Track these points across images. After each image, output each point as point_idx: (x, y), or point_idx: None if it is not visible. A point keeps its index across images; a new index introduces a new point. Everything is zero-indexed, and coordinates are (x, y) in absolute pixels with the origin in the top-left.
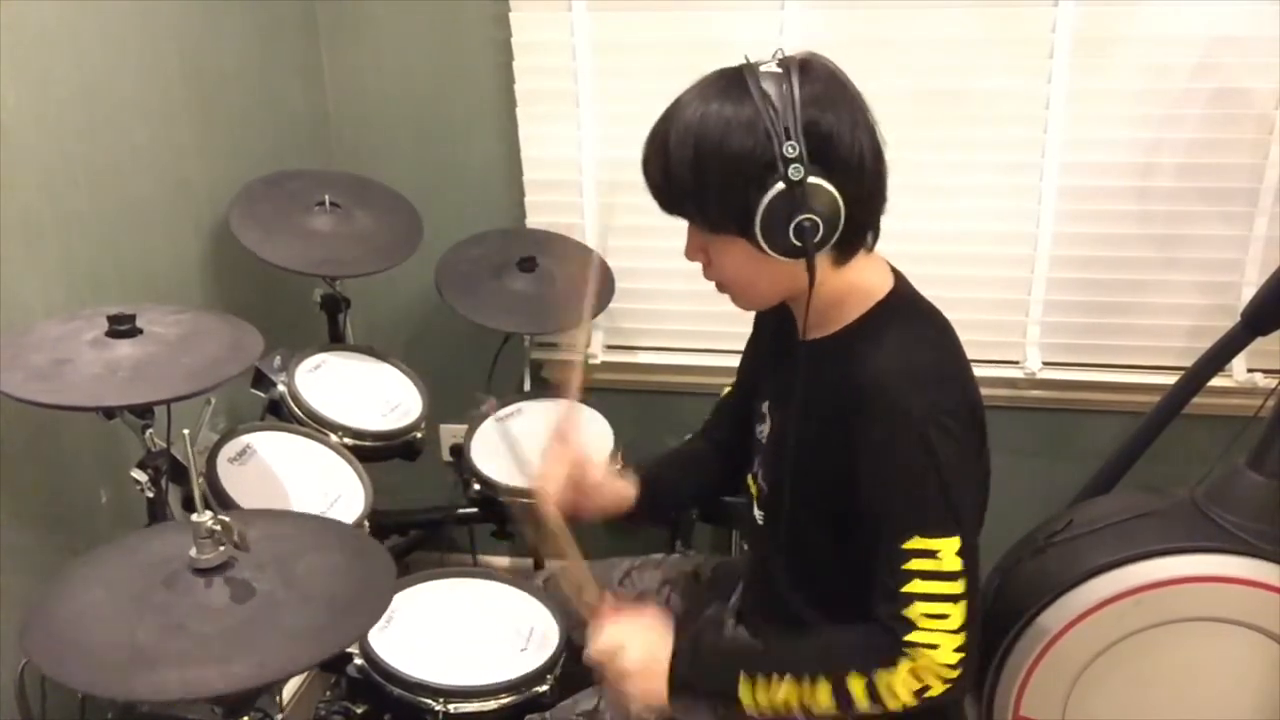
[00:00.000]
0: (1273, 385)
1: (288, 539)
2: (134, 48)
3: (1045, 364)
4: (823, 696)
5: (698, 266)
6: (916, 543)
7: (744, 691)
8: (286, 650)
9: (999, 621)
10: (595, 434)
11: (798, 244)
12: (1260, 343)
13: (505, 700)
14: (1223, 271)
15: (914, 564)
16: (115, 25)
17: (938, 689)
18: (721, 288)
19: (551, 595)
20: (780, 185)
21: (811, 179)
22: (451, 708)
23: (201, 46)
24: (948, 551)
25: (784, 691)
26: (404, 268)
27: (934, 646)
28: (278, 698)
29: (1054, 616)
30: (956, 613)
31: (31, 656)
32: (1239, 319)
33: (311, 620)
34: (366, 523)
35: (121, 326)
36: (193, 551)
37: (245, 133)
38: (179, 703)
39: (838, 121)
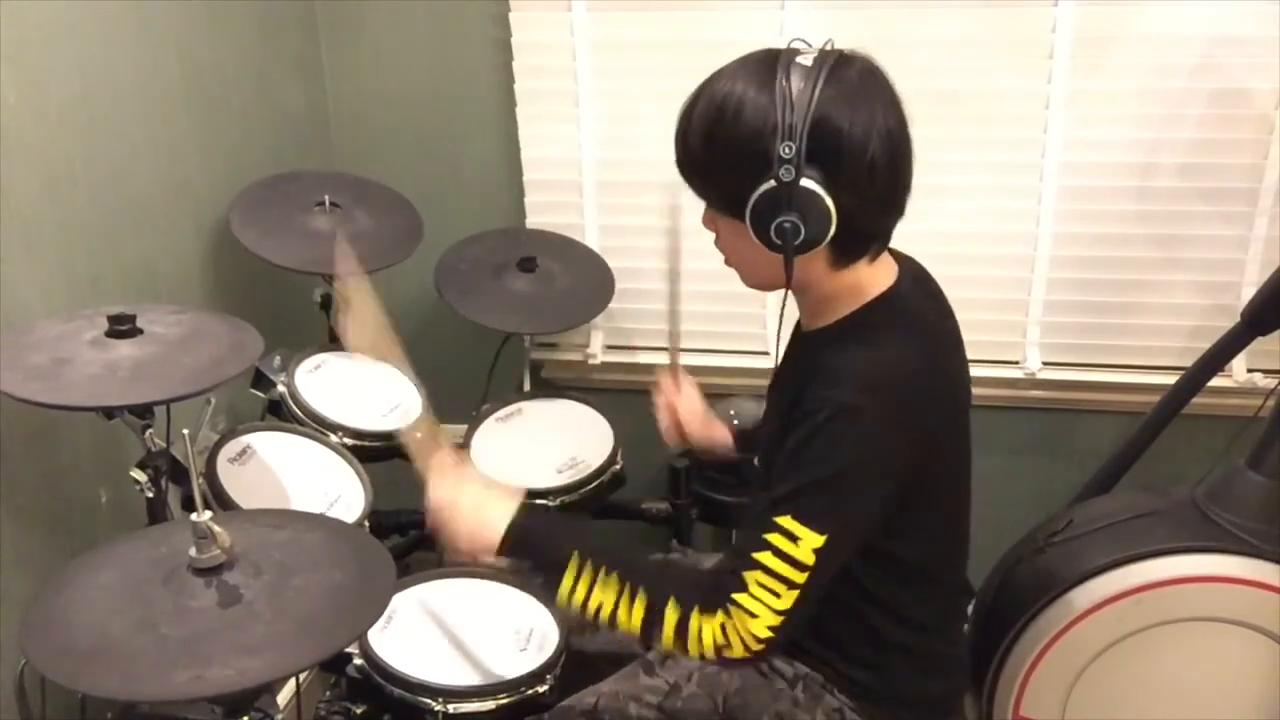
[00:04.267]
0: (1273, 385)
1: (292, 546)
2: (134, 48)
3: (1045, 364)
4: (637, 610)
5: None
6: (787, 521)
7: (570, 571)
8: (237, 662)
9: (999, 621)
10: (594, 436)
11: (779, 242)
12: (1260, 343)
13: (504, 700)
14: (1223, 271)
15: (774, 538)
16: (115, 25)
17: (737, 652)
18: (728, 263)
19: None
20: (771, 182)
21: (805, 182)
22: (451, 708)
23: (201, 46)
24: (807, 544)
25: (604, 590)
26: (404, 268)
27: (753, 615)
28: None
29: (1054, 616)
30: (787, 598)
31: (27, 650)
32: (1239, 319)
33: (276, 638)
34: (366, 523)
35: (121, 326)
36: (192, 551)
37: (245, 132)
38: (177, 702)
39: (851, 125)
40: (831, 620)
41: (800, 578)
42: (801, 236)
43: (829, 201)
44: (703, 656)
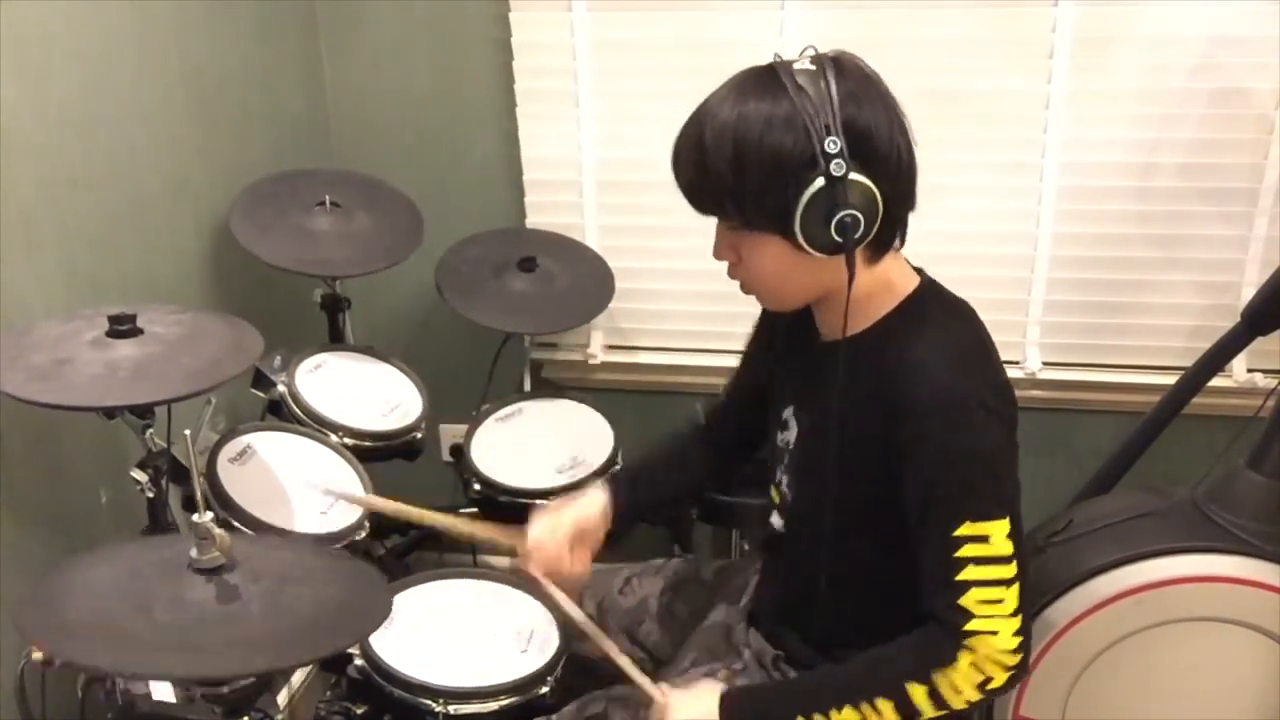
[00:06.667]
0: (1273, 385)
1: (296, 561)
2: (134, 47)
3: (1045, 364)
4: (886, 713)
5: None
6: (968, 528)
7: None
8: (219, 658)
9: None
10: (594, 436)
11: (838, 240)
12: (1260, 343)
13: (505, 702)
14: (1223, 271)
15: (967, 550)
16: (115, 25)
17: (1000, 678)
18: (747, 288)
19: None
20: (820, 182)
21: (852, 175)
22: (452, 709)
23: (201, 46)
24: (998, 535)
25: (845, 718)
26: (404, 268)
27: (994, 633)
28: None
29: (1054, 616)
30: (1010, 597)
31: (21, 624)
32: (1239, 319)
33: (250, 641)
34: (366, 523)
35: (122, 326)
36: (193, 551)
37: (245, 133)
38: (178, 702)
39: (874, 118)
40: (850, 631)
41: (1010, 571)
42: (861, 229)
43: (876, 190)
44: (969, 703)
